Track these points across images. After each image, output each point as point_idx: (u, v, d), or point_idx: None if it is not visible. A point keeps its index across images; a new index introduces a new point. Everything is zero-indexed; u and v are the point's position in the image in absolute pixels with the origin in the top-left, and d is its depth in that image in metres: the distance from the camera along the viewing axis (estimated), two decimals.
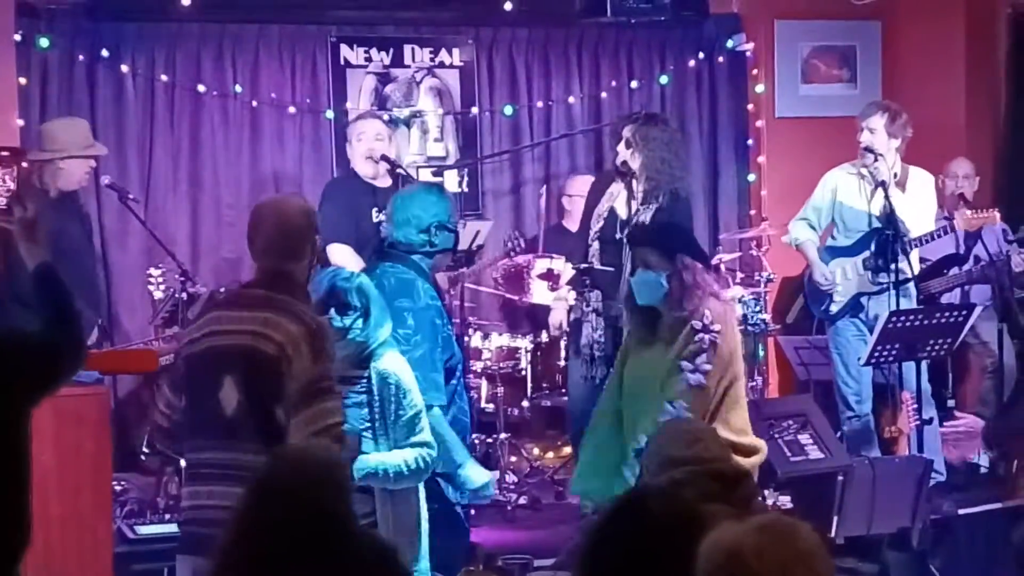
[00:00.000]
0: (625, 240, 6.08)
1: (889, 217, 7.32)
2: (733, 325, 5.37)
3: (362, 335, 4.89)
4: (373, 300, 4.93)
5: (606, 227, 7.26)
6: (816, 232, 7.82)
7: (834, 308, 7.67)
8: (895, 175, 7.59)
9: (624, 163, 7.20)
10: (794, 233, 7.85)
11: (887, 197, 7.33)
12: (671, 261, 5.26)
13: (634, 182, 7.21)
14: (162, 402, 4.57)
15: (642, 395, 5.34)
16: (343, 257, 7.03)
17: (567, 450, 8.33)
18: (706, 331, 5.17)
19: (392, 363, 4.98)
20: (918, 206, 7.63)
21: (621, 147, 7.22)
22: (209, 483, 4.36)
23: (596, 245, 7.28)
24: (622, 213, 7.24)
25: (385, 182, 7.43)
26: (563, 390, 8.09)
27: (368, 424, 4.91)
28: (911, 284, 7.53)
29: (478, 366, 8.01)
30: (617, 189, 7.30)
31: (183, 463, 4.66)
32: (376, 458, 4.87)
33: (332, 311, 4.85)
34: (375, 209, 7.31)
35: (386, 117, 8.72)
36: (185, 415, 4.47)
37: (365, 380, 4.93)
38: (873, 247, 7.51)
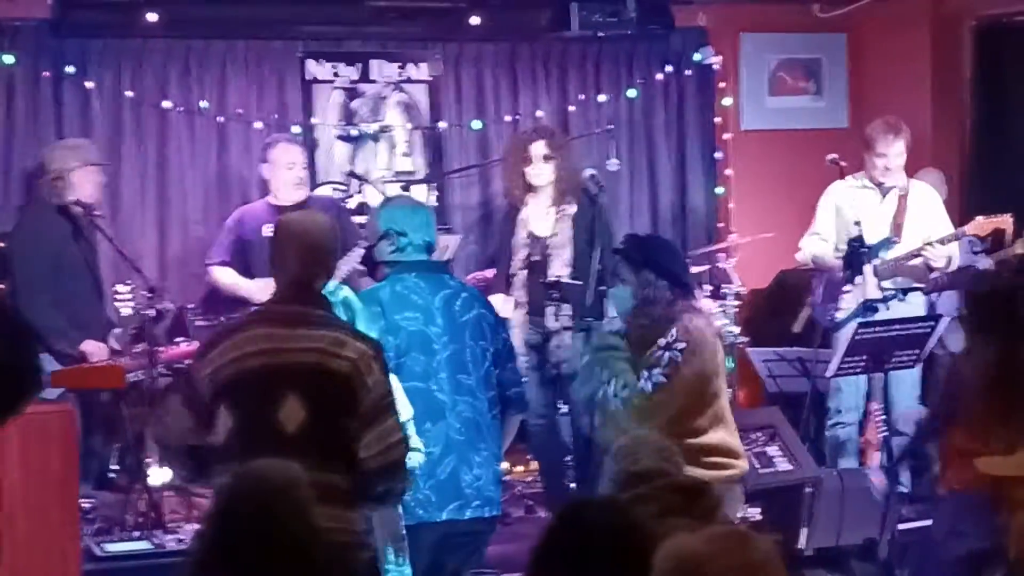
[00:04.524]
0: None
1: (858, 225, 7.36)
2: (710, 344, 5.34)
3: None
4: (359, 313, 4.88)
5: (531, 253, 7.45)
6: (828, 244, 7.86)
7: (840, 315, 7.68)
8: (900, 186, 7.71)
9: (537, 179, 7.49)
10: (808, 249, 7.89)
11: (897, 205, 7.60)
12: (638, 275, 5.31)
13: (543, 195, 7.47)
14: (186, 423, 4.35)
15: None
16: (231, 279, 7.74)
17: (536, 464, 8.32)
18: (668, 348, 5.20)
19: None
20: (927, 211, 7.76)
21: (540, 163, 7.48)
22: None
23: (523, 275, 7.40)
24: (541, 231, 7.41)
25: (291, 199, 7.74)
26: None
27: None
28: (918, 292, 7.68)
29: None
30: (527, 213, 7.45)
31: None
32: None
33: None
34: (266, 225, 7.52)
35: (355, 132, 8.75)
36: (231, 436, 4.28)
37: None
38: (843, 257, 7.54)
